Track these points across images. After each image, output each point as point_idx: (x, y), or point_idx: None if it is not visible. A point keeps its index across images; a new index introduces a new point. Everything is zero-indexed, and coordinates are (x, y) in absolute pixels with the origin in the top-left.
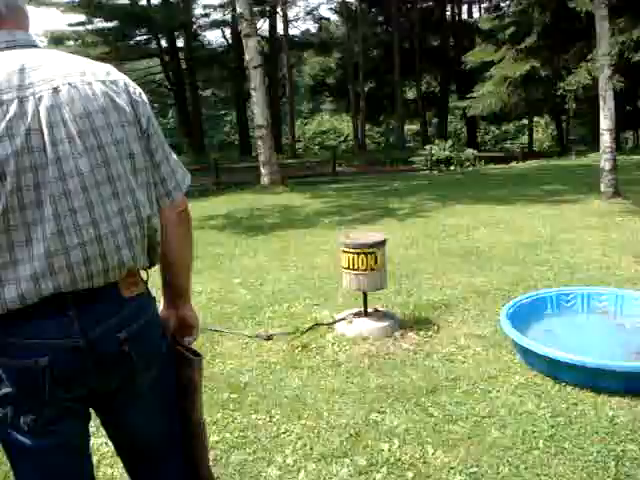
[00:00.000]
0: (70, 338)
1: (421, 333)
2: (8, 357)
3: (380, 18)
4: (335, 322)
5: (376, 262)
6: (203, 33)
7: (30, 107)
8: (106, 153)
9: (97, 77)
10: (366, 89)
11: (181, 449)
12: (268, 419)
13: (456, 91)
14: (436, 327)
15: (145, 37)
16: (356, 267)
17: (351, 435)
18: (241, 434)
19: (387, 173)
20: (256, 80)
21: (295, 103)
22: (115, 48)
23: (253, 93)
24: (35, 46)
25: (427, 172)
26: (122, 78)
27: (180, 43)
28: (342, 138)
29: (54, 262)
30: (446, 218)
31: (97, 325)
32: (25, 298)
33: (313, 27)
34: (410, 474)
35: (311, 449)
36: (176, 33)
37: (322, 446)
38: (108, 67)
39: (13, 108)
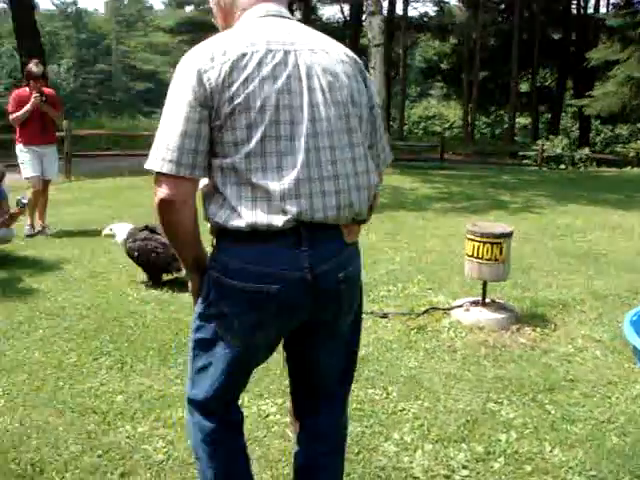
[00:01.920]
0: (300, 271)
1: (538, 330)
2: (239, 280)
3: (502, 6)
4: (452, 308)
5: (501, 253)
6: (321, 8)
7: (291, 59)
8: (347, 109)
9: (343, 50)
10: (480, 78)
11: (348, 390)
12: (385, 395)
13: (572, 88)
14: (553, 325)
15: None
16: (480, 256)
17: (468, 421)
18: (358, 407)
19: (494, 165)
20: (376, 59)
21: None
22: None
23: (372, 72)
24: (285, 17)
25: (536, 168)
26: (357, 58)
27: (297, 15)
28: (447, 125)
29: (300, 188)
30: (559, 217)
31: (323, 262)
32: (272, 222)
33: (432, 10)
34: (528, 468)
35: (428, 430)
36: (294, 6)
37: (439, 428)
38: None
39: (279, 56)
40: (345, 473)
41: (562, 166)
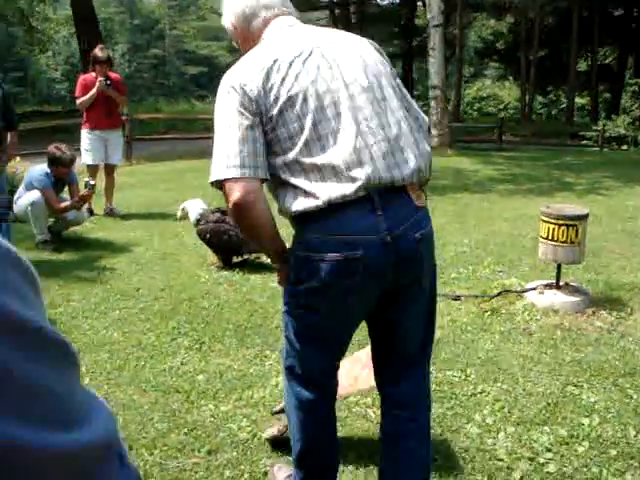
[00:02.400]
0: (379, 234)
1: (614, 313)
2: (325, 253)
3: None
4: (525, 291)
5: (577, 235)
6: None
7: (317, 52)
8: (379, 80)
9: (358, 37)
10: (537, 57)
11: (429, 355)
12: (464, 377)
13: (633, 66)
14: (629, 309)
15: None
16: (555, 238)
17: (549, 404)
18: (437, 388)
19: (554, 146)
20: (435, 39)
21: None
22: None
23: (431, 52)
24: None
25: (597, 149)
26: (372, 42)
27: None
28: (502, 106)
29: (361, 155)
30: (628, 198)
31: (400, 224)
32: (345, 192)
33: None
34: (613, 452)
35: (509, 412)
36: None
37: (520, 411)
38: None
39: (306, 53)
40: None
41: (624, 147)
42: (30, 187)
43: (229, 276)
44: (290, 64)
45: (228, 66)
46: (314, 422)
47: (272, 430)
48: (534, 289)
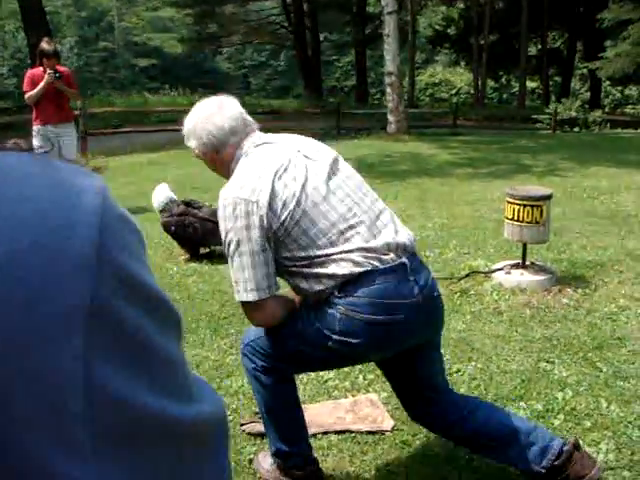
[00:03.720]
0: (414, 298)
1: (579, 290)
2: (369, 314)
3: None
4: (493, 271)
5: (541, 215)
6: None
7: (298, 160)
8: (351, 170)
9: (315, 141)
10: (489, 42)
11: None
12: None
13: (582, 50)
14: (593, 286)
15: None
16: (520, 219)
17: (523, 381)
18: None
19: (507, 130)
20: (390, 26)
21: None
22: None
23: (386, 39)
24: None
25: (550, 132)
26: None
27: None
28: (454, 91)
29: (375, 228)
30: (584, 179)
31: (425, 285)
32: (381, 262)
33: None
34: (588, 423)
35: (486, 390)
36: None
37: (495, 388)
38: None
39: (294, 158)
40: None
41: (576, 129)
42: None
43: (198, 267)
44: (286, 170)
45: (178, 58)
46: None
47: (258, 427)
48: (501, 269)
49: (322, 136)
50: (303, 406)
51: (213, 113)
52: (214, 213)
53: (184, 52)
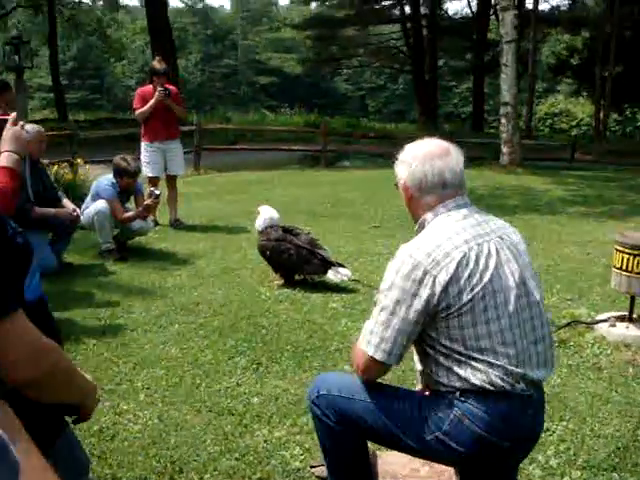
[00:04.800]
0: (527, 434)
1: None
2: (480, 429)
3: None
4: (596, 322)
5: None
6: (448, 1)
7: (493, 248)
8: (535, 280)
9: (513, 230)
10: (614, 72)
11: None
12: None
13: None
14: None
15: (390, 2)
16: (630, 269)
17: (618, 448)
18: None
19: (629, 166)
20: (508, 55)
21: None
22: (360, 11)
23: (503, 69)
24: (469, 206)
25: None
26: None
27: (423, 10)
28: (575, 123)
29: (525, 353)
30: None
31: (540, 425)
32: (515, 386)
33: (563, 3)
34: None
35: (575, 455)
36: (420, 0)
37: (586, 454)
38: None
39: (485, 249)
40: None
41: None
42: (96, 197)
43: (290, 294)
44: (476, 260)
45: (298, 77)
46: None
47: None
48: (605, 321)
49: None
50: (378, 453)
51: (438, 155)
52: (311, 242)
53: (303, 72)
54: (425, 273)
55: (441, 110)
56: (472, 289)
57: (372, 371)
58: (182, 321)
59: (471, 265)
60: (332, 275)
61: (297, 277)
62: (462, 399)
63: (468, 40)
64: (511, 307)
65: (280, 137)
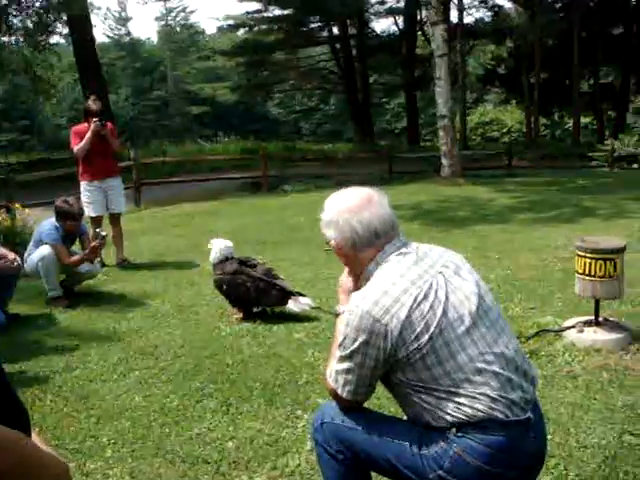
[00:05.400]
0: (531, 459)
1: None
2: (483, 463)
3: (558, 5)
4: (563, 330)
5: (615, 269)
6: (375, 20)
7: (441, 281)
8: (491, 301)
9: (453, 252)
10: (540, 80)
11: None
12: None
13: (635, 84)
14: None
15: (318, 24)
16: (593, 273)
17: (607, 457)
18: None
19: (563, 169)
20: (441, 69)
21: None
22: (288, 36)
23: (437, 82)
24: (407, 244)
25: (607, 170)
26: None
27: (352, 30)
28: (505, 130)
29: (511, 375)
30: None
31: (543, 445)
32: (511, 413)
33: (487, 15)
34: None
35: (566, 469)
36: (348, 21)
37: (577, 467)
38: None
39: (434, 284)
40: None
41: (634, 165)
42: (39, 243)
43: (251, 328)
44: (426, 297)
45: (231, 105)
46: None
47: None
48: (573, 327)
49: (374, 181)
50: None
51: (361, 208)
52: (268, 272)
53: (237, 99)
54: (375, 321)
55: (375, 126)
56: (428, 329)
57: (346, 404)
58: (142, 366)
59: (422, 305)
60: (292, 305)
61: (255, 309)
62: (459, 434)
63: (397, 56)
64: (475, 333)
65: (218, 166)
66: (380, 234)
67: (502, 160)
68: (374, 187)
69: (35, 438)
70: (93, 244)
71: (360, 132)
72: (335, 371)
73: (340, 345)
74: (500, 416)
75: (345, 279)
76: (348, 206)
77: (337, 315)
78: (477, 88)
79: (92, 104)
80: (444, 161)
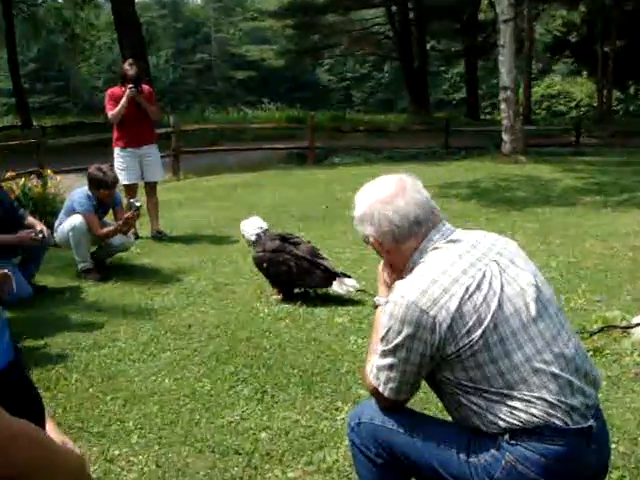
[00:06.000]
0: (588, 471)
1: None
2: (536, 474)
3: None
4: (633, 326)
5: None
6: None
7: (495, 270)
8: (548, 289)
9: (507, 239)
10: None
11: None
12: None
13: None
14: None
15: None
16: None
17: None
18: None
19: (636, 148)
20: (505, 36)
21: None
22: None
23: (501, 50)
24: (454, 229)
25: None
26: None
27: None
28: (573, 104)
29: (571, 379)
30: None
31: (606, 458)
32: (573, 422)
33: None
34: None
35: None
36: None
37: None
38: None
39: (488, 274)
40: None
41: None
42: (71, 212)
43: (291, 310)
44: (478, 287)
45: (277, 70)
46: None
47: None
48: None
49: (429, 156)
50: None
51: (395, 196)
52: (312, 251)
53: (284, 64)
54: (423, 313)
55: (431, 97)
56: (481, 323)
57: (387, 404)
58: (174, 347)
59: (475, 296)
60: (337, 287)
61: (297, 290)
62: (512, 442)
63: (458, 21)
64: (532, 329)
65: (262, 135)
66: (421, 221)
67: (569, 137)
68: (407, 173)
69: (52, 428)
70: (126, 215)
71: (415, 103)
72: (376, 367)
73: (382, 339)
74: (558, 423)
75: (383, 270)
76: (379, 197)
77: (376, 307)
78: (544, 57)
79: (129, 69)
80: (505, 136)
